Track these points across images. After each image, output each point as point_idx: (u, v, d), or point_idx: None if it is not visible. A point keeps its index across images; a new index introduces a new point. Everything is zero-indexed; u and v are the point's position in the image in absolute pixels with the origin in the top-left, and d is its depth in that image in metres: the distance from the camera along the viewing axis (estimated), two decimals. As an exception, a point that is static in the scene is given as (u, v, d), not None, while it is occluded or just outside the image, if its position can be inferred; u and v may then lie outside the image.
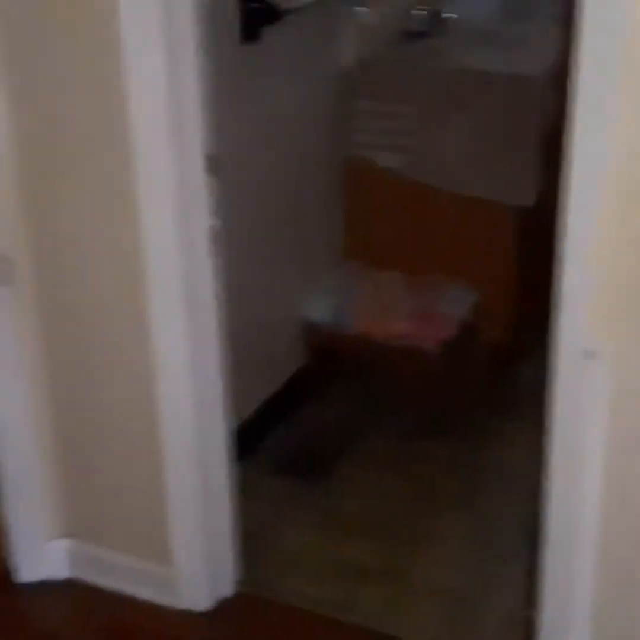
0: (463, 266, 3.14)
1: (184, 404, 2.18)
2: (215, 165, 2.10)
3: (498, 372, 3.13)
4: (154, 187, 2.02)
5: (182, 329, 2.13)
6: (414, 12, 3.43)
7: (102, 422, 2.30)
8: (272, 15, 2.68)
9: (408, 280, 3.16)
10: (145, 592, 2.35)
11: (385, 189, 3.21)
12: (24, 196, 2.14)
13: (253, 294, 2.80)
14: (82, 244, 2.15)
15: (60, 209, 2.14)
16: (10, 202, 2.14)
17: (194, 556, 2.29)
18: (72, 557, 2.42)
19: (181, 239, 2.06)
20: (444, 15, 3.47)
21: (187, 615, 2.32)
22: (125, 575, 2.36)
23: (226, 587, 2.37)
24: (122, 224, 2.08)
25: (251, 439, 2.84)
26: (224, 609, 2.34)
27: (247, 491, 2.46)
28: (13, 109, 2.08)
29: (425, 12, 3.43)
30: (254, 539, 2.48)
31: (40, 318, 2.25)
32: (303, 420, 3.05)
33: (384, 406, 3.10)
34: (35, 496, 2.36)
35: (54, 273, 2.20)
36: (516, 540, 2.30)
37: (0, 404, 2.28)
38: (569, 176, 1.68)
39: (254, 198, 2.76)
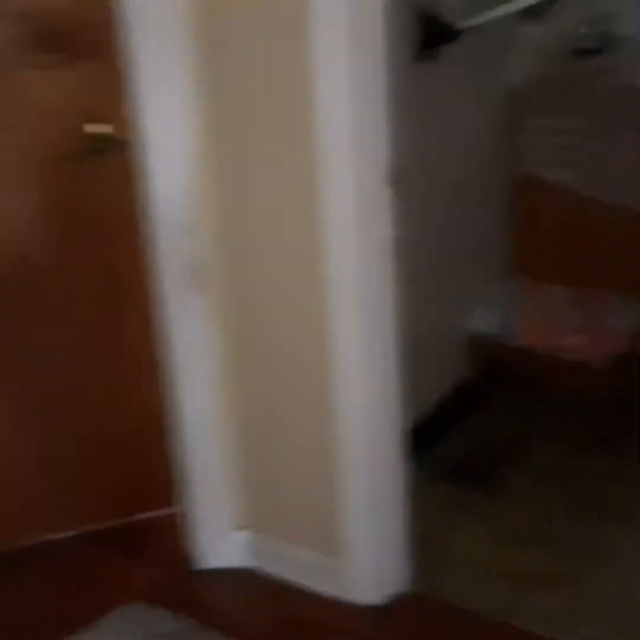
0: (633, 280, 3.13)
1: (359, 404, 2.27)
2: (394, 177, 2.19)
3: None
4: (336, 196, 2.11)
5: (359, 333, 2.22)
6: (585, 30, 3.45)
7: (280, 420, 2.42)
8: (449, 35, 2.78)
9: (576, 295, 3.18)
10: (317, 584, 2.45)
11: (555, 203, 3.23)
12: (221, 205, 2.28)
13: (422, 303, 2.87)
14: (267, 250, 2.27)
15: (250, 215, 2.27)
16: (207, 210, 2.28)
17: (365, 552, 2.38)
18: (250, 547, 2.55)
19: (360, 247, 2.16)
20: (615, 32, 3.48)
21: (355, 609, 2.40)
22: (299, 567, 2.48)
23: (395, 584, 2.45)
24: (305, 229, 2.18)
25: (417, 446, 2.90)
26: (391, 605, 2.42)
27: (415, 494, 2.54)
28: (207, 120, 2.21)
29: (595, 30, 3.45)
30: (421, 540, 2.54)
31: (226, 321, 2.38)
32: (469, 430, 3.11)
33: (551, 420, 3.11)
34: (219, 488, 2.50)
35: (240, 278, 2.34)
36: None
37: (192, 402, 2.43)
38: None
39: (426, 210, 2.84)
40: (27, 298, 2.45)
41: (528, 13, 3.10)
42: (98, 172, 2.33)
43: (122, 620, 2.33)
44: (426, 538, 2.59)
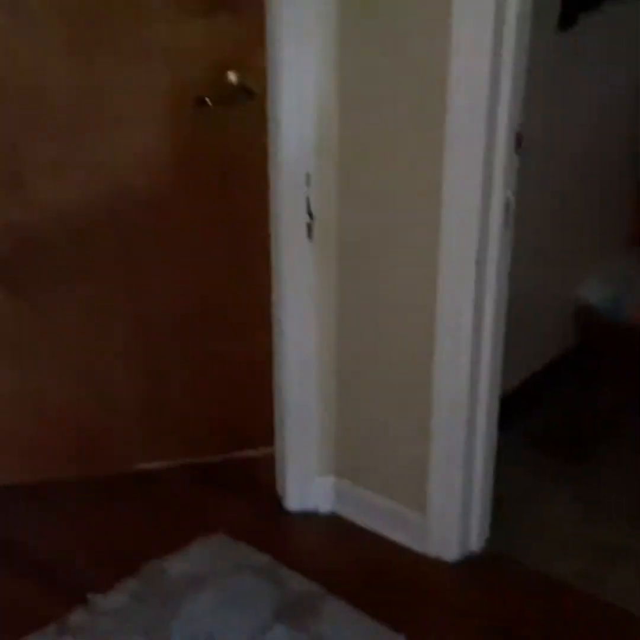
0: None
1: (461, 362, 2.28)
2: (521, 142, 2.18)
3: None
4: (462, 153, 2.12)
5: (471, 291, 2.22)
6: None
7: (379, 370, 2.45)
8: (590, 2, 2.72)
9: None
10: (399, 536, 2.50)
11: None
12: (342, 158, 2.32)
13: (534, 269, 2.85)
14: (383, 205, 2.30)
15: (368, 169, 2.30)
16: (329, 163, 2.32)
17: (449, 507, 2.40)
18: (337, 494, 2.61)
19: (480, 206, 2.15)
20: None
21: (435, 562, 2.44)
22: (382, 517, 2.52)
23: (475, 543, 2.47)
24: (424, 185, 2.20)
25: (514, 411, 2.90)
26: (471, 562, 2.45)
27: (504, 459, 2.55)
28: (339, 78, 2.25)
29: None
30: (508, 504, 2.57)
31: (337, 270, 2.43)
32: (566, 400, 3.08)
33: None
34: (310, 431, 2.56)
35: (355, 231, 2.37)
36: None
37: (297, 348, 2.49)
38: None
39: (549, 177, 2.81)
40: (155, 238, 2.54)
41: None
42: (230, 118, 2.42)
43: (206, 548, 2.43)
44: (513, 503, 2.61)
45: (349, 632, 2.20)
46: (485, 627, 2.24)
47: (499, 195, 2.18)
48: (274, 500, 2.66)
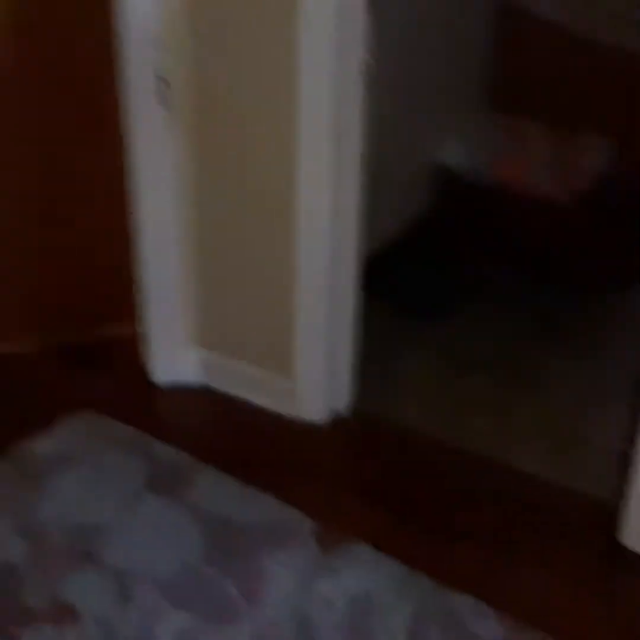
0: (606, 119, 3.10)
1: (320, 228, 2.29)
2: (372, 2, 2.14)
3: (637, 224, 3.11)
4: (313, 16, 2.07)
5: (327, 152, 2.21)
6: None
7: (241, 237, 2.44)
8: None
9: (549, 131, 3.14)
10: (268, 402, 2.54)
11: (537, 36, 3.17)
12: (189, 25, 2.23)
13: (394, 132, 2.84)
14: (237, 69, 2.24)
15: (220, 38, 2.23)
16: (177, 25, 2.23)
17: (315, 371, 2.45)
18: (205, 365, 2.63)
19: (335, 68, 2.12)
20: None
21: (304, 425, 2.50)
22: (251, 385, 2.56)
23: (343, 404, 2.54)
24: (277, 49, 2.15)
25: (376, 274, 2.94)
26: (339, 422, 2.52)
27: (369, 321, 2.60)
28: None
29: None
30: (372, 365, 2.63)
31: (191, 138, 2.37)
32: (429, 260, 3.14)
33: (515, 254, 3.14)
34: (174, 305, 2.55)
35: (208, 97, 2.31)
36: (625, 386, 2.37)
37: (153, 218, 2.44)
38: None
39: (405, 38, 2.78)
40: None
41: None
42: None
43: (74, 427, 2.40)
44: (376, 364, 2.68)
45: (221, 497, 2.23)
46: (354, 485, 2.32)
47: (354, 57, 2.15)
48: (143, 376, 2.66)
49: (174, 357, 2.62)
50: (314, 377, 2.46)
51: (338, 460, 2.43)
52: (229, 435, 2.49)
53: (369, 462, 2.40)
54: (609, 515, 2.15)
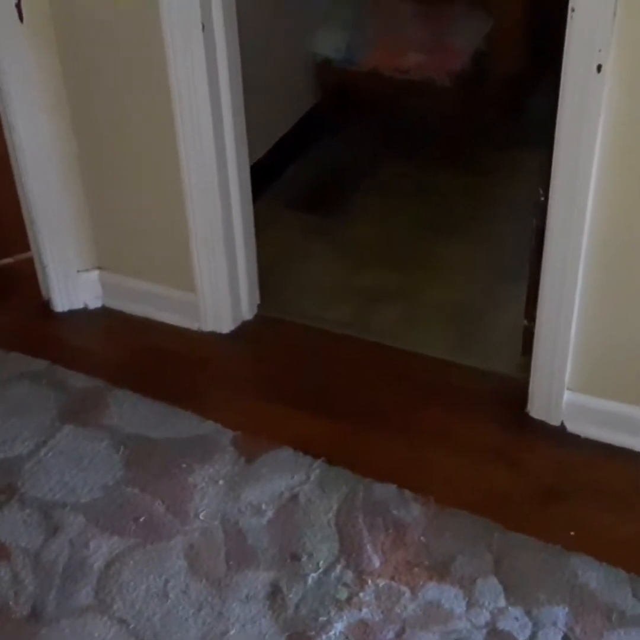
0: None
1: (203, 135, 2.23)
2: None
3: (512, 102, 3.14)
4: None
5: (199, 61, 2.14)
6: None
7: (125, 154, 2.37)
8: None
9: (421, 10, 3.11)
10: (173, 318, 2.52)
11: None
12: None
13: (264, 30, 2.79)
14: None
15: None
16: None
17: (216, 282, 2.43)
18: (104, 287, 2.58)
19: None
20: None
21: (212, 337, 2.49)
22: (154, 303, 2.53)
23: (247, 311, 2.54)
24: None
25: (268, 176, 2.92)
26: (245, 330, 2.52)
27: (264, 225, 2.59)
28: None
29: None
30: (272, 268, 2.64)
31: (59, 55, 2.27)
32: (317, 157, 3.13)
33: (397, 141, 3.16)
34: (65, 229, 2.48)
35: (68, 11, 2.20)
36: (520, 262, 2.41)
37: (25, 138, 2.34)
38: None
39: None
40: None
41: None
42: None
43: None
44: (276, 266, 2.68)
45: (137, 418, 2.24)
46: (269, 390, 2.34)
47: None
48: (41, 305, 2.60)
49: (71, 281, 2.56)
50: (216, 288, 2.45)
51: (248, 368, 2.44)
52: (137, 356, 2.46)
53: (278, 364, 2.41)
54: (517, 391, 2.22)
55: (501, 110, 3.12)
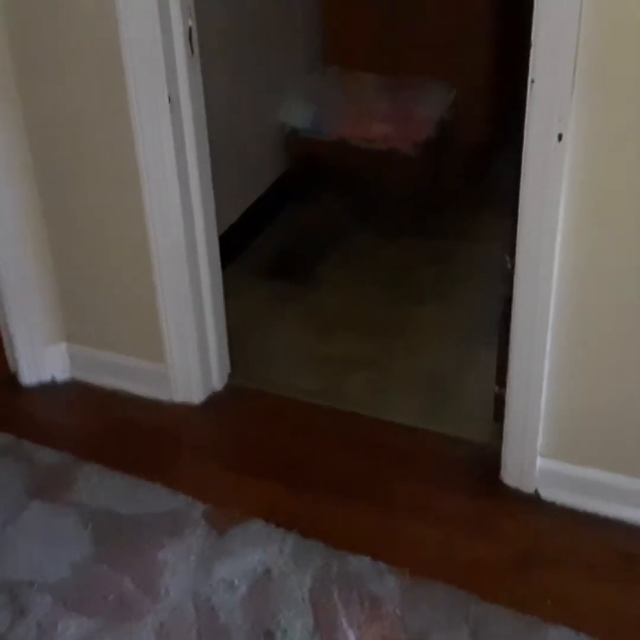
0: (442, 65, 3.14)
1: (171, 206, 2.24)
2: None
3: (476, 171, 3.19)
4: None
5: (166, 134, 2.16)
6: None
7: (93, 230, 2.37)
8: None
9: (386, 82, 3.17)
10: (142, 389, 2.49)
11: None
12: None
13: (232, 102, 2.82)
14: (63, 52, 2.16)
15: (41, 24, 2.14)
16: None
17: (186, 352, 2.42)
18: (72, 359, 2.56)
19: (162, 38, 2.06)
20: None
21: (182, 408, 2.47)
22: (123, 374, 2.50)
23: (217, 381, 2.52)
24: (100, 23, 2.08)
25: (236, 245, 2.93)
26: (216, 400, 2.50)
27: (233, 293, 2.58)
28: None
29: None
30: (242, 336, 2.62)
31: (24, 124, 2.27)
32: (286, 225, 3.15)
33: (364, 209, 3.19)
34: (33, 301, 2.47)
35: (34, 78, 2.21)
36: (489, 327, 2.43)
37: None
38: None
39: (229, 2, 2.74)
40: None
41: None
42: None
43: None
44: (246, 334, 2.67)
45: (106, 493, 2.20)
46: (240, 461, 2.31)
47: (179, 23, 2.09)
48: (8, 378, 2.57)
49: (38, 354, 2.53)
50: (185, 358, 2.43)
51: (219, 438, 2.41)
52: (106, 429, 2.43)
53: (249, 435, 2.39)
54: (490, 458, 2.20)
55: (466, 177, 3.16)
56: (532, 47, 1.75)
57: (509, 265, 2.03)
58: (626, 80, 1.73)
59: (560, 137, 1.79)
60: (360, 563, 2.01)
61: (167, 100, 2.12)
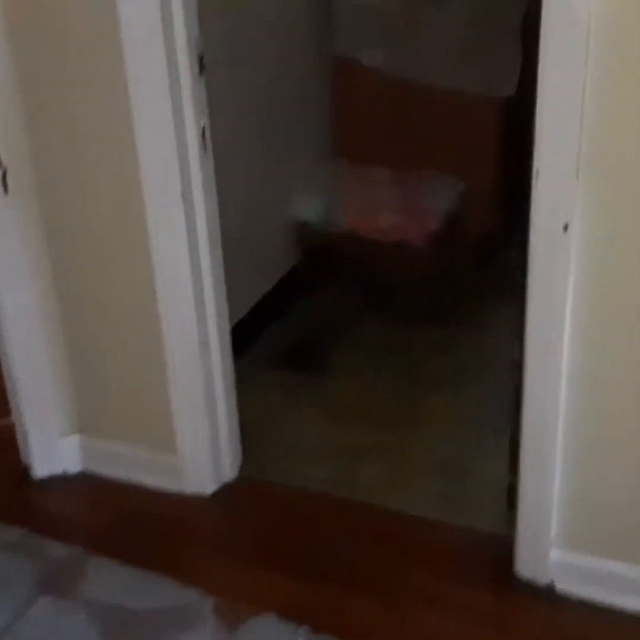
0: (449, 159, 3.21)
1: (184, 301, 2.27)
2: (203, 64, 2.13)
3: (484, 260, 3.23)
4: (147, 86, 2.06)
5: (179, 230, 2.20)
6: None
7: (107, 324, 2.40)
8: None
9: (395, 175, 3.24)
10: (153, 480, 2.48)
11: (371, 85, 3.26)
12: (25, 108, 2.20)
13: (244, 196, 2.87)
14: (79, 152, 2.21)
15: (59, 113, 2.19)
16: (9, 114, 2.19)
17: (198, 444, 2.42)
18: (84, 451, 2.56)
19: (175, 137, 2.11)
20: None
21: (193, 500, 2.45)
22: (134, 466, 2.50)
23: (229, 472, 2.51)
24: (116, 125, 2.13)
25: (248, 336, 2.96)
26: (227, 492, 2.48)
27: (246, 385, 2.59)
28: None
29: None
30: (254, 427, 2.62)
31: (42, 228, 2.32)
32: (297, 317, 3.18)
33: (375, 300, 3.22)
34: (45, 395, 2.48)
35: (53, 182, 2.27)
36: (501, 416, 2.42)
37: (8, 306, 2.37)
38: (544, 62, 1.71)
39: (240, 99, 2.81)
40: None
41: None
42: None
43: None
44: (258, 425, 2.67)
45: (116, 588, 2.18)
46: (251, 553, 2.29)
47: (192, 122, 2.14)
48: (20, 471, 2.57)
49: (51, 447, 2.54)
50: (197, 449, 2.43)
51: (230, 530, 2.40)
52: (117, 521, 2.42)
53: (260, 527, 2.37)
54: (504, 548, 2.17)
55: (475, 267, 3.20)
56: (536, 138, 1.79)
57: (518, 355, 2.04)
58: (631, 172, 1.76)
59: (566, 227, 1.81)
60: (372, 658, 1.97)
61: (180, 196, 2.17)
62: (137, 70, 2.06)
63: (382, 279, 3.16)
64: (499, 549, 2.19)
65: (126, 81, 2.07)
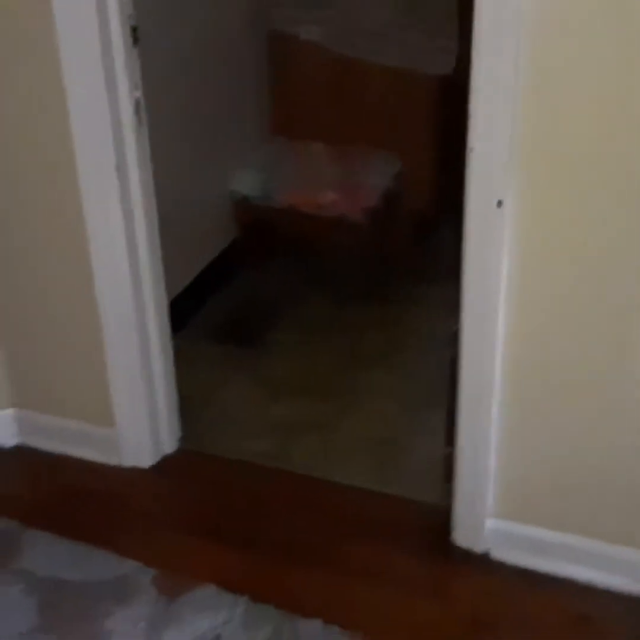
0: (387, 136, 3.23)
1: (120, 274, 2.26)
2: (137, 35, 2.11)
3: (422, 237, 3.26)
4: (79, 57, 2.04)
5: (114, 203, 2.18)
6: None
7: (40, 297, 2.38)
8: None
9: (334, 152, 3.24)
10: (92, 454, 2.47)
11: (309, 61, 3.26)
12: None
13: (182, 171, 2.85)
14: (10, 125, 2.18)
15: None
16: None
17: (136, 417, 2.41)
18: (20, 425, 2.53)
19: (109, 110, 2.09)
20: None
21: (132, 472, 2.45)
22: (72, 439, 2.48)
23: (167, 444, 2.51)
24: (48, 97, 2.10)
25: (187, 311, 2.95)
26: (166, 464, 2.48)
27: (184, 359, 2.58)
28: None
29: None
30: (192, 400, 2.62)
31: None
32: (236, 292, 3.18)
33: (314, 276, 3.23)
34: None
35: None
36: (438, 390, 2.46)
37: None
38: (478, 42, 1.73)
39: (177, 73, 2.79)
40: None
41: None
42: None
43: None
44: (196, 399, 2.66)
45: (53, 561, 2.17)
46: (190, 525, 2.29)
47: (126, 95, 2.12)
48: (-47, 445, 2.54)
49: (-16, 421, 2.51)
50: (135, 422, 2.42)
51: (169, 502, 2.39)
52: (54, 494, 2.40)
53: (199, 499, 2.37)
54: (442, 519, 2.21)
55: (413, 244, 3.23)
56: (470, 116, 1.81)
57: (455, 328, 2.07)
58: (561, 150, 1.79)
59: (499, 203, 1.84)
60: (313, 627, 1.99)
61: (114, 170, 2.14)
62: (68, 41, 2.03)
63: (322, 254, 3.17)
64: (437, 518, 2.23)
65: (58, 52, 2.04)
